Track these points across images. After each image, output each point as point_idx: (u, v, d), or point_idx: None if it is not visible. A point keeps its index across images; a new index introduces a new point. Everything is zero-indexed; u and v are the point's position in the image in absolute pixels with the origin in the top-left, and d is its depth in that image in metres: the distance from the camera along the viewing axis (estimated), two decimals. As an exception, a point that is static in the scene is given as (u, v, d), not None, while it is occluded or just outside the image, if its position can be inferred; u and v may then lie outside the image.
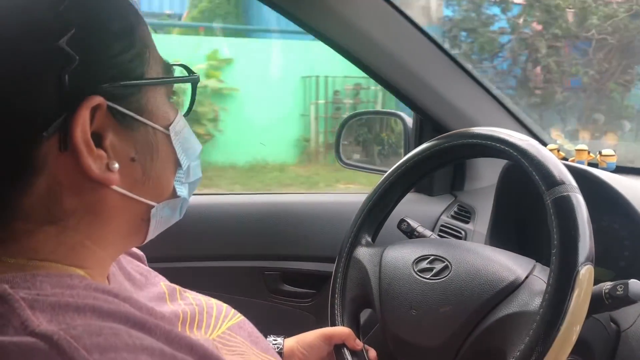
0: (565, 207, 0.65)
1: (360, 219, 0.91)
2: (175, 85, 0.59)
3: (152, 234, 0.57)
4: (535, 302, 0.67)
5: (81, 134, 0.47)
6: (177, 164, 0.57)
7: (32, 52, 0.46)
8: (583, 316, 0.63)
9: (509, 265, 0.75)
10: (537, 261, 0.83)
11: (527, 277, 0.73)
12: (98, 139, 0.49)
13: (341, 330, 0.85)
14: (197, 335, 0.60)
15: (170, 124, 0.55)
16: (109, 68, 0.49)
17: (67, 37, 0.46)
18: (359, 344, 0.86)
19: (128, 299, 0.50)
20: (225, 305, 0.69)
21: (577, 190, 0.67)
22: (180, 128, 0.56)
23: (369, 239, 0.92)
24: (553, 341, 0.60)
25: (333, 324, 0.86)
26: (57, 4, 0.47)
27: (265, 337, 0.70)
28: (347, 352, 0.83)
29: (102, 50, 0.49)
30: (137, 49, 0.51)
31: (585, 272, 0.62)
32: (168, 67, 0.57)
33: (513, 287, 0.72)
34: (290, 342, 0.85)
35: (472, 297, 0.73)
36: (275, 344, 0.83)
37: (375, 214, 0.91)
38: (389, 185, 0.90)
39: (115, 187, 0.50)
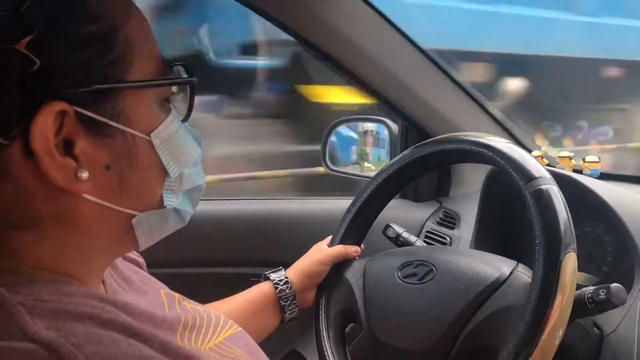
0: (543, 198, 0.68)
1: (341, 233, 0.90)
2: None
3: (146, 242, 0.55)
4: (522, 294, 0.68)
5: (41, 141, 0.45)
6: (165, 172, 0.53)
7: None
8: (572, 298, 0.65)
9: (492, 262, 0.76)
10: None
11: (511, 273, 0.74)
12: (69, 145, 0.47)
13: (330, 253, 0.88)
14: (197, 342, 0.58)
15: (153, 130, 0.51)
16: (76, 72, 0.46)
17: (27, 39, 0.44)
18: (354, 250, 0.88)
19: (125, 307, 0.50)
20: (223, 316, 0.67)
21: (553, 182, 0.70)
22: (168, 134, 0.52)
23: None
24: (548, 321, 0.62)
25: (319, 343, 0.84)
26: (18, 5, 0.44)
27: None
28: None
29: (68, 54, 0.46)
30: (116, 52, 0.48)
31: (569, 257, 0.64)
32: (164, 67, 0.53)
33: (498, 284, 0.73)
34: (296, 277, 0.87)
35: (458, 297, 0.73)
36: (285, 284, 0.86)
37: (357, 225, 0.90)
38: (370, 194, 0.89)
39: (87, 196, 0.48)
